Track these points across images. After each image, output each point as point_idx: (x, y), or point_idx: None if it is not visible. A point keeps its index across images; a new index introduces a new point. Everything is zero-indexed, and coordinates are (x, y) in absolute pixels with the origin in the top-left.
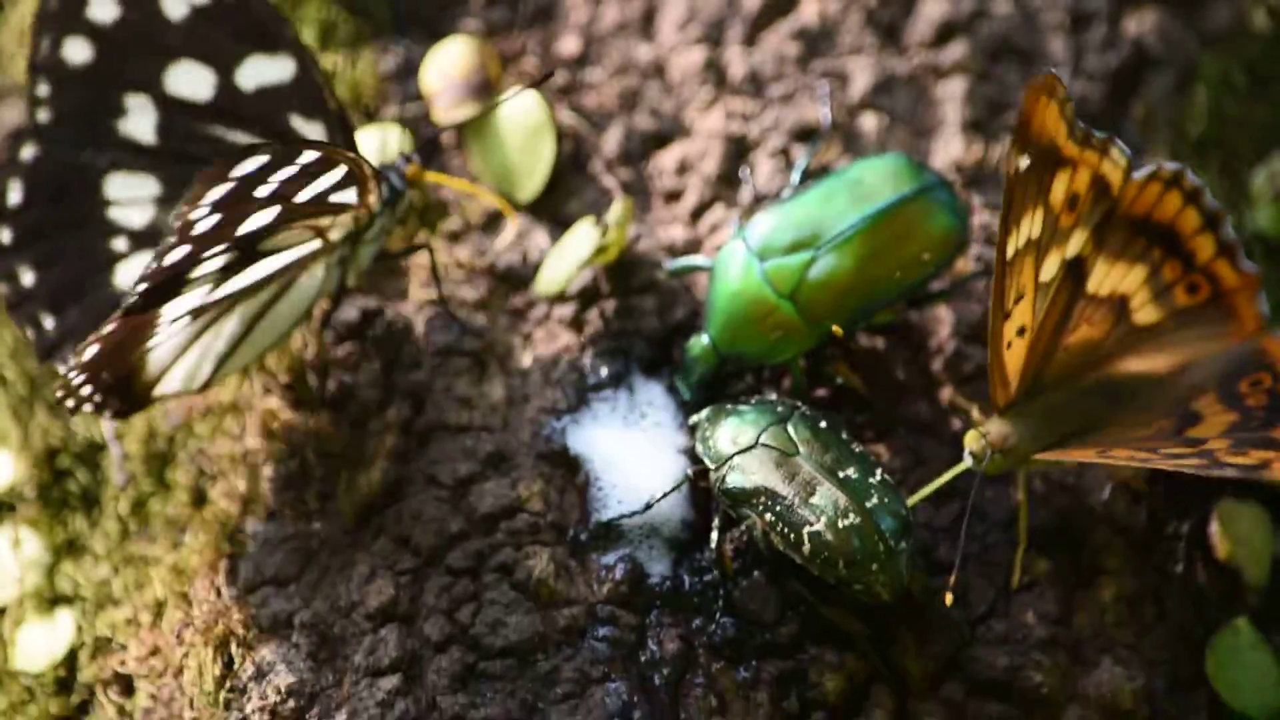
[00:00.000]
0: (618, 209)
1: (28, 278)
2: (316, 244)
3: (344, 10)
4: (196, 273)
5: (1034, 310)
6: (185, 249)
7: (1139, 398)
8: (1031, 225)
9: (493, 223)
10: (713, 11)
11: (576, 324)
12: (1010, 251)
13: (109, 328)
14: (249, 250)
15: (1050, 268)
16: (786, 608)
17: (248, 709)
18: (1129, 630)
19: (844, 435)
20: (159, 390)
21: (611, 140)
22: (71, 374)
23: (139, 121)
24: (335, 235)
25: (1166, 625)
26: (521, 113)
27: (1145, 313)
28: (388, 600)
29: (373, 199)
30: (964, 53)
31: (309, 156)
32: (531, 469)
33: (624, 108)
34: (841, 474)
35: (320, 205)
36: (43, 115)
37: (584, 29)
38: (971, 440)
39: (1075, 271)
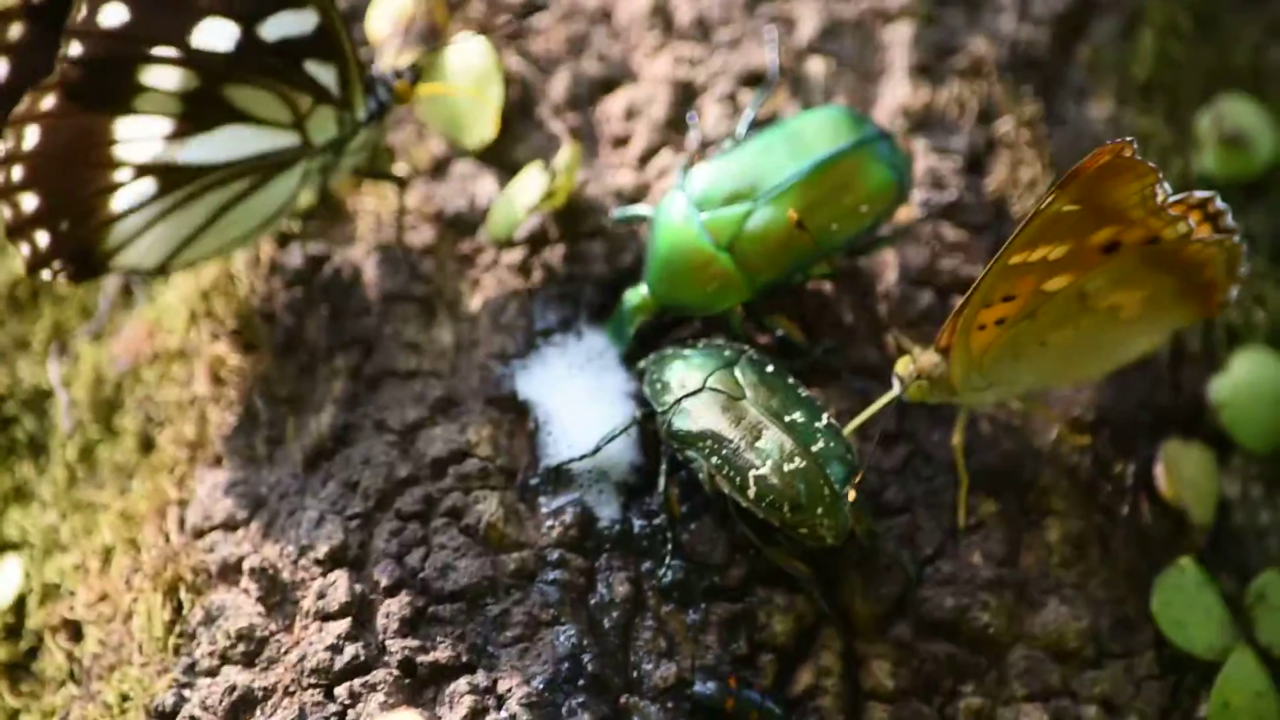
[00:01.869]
0: (565, 154)
1: (16, 173)
2: (294, 139)
3: None
4: (149, 78)
5: (1021, 309)
6: (124, 10)
7: None
8: (1052, 252)
9: (440, 168)
10: None
11: (525, 269)
12: (1014, 260)
13: (50, 102)
14: (211, 88)
15: (1058, 283)
16: (735, 551)
17: (197, 654)
18: (1075, 571)
19: (791, 379)
20: (116, 261)
21: (558, 86)
22: (16, 176)
23: None
24: (317, 137)
25: (1112, 565)
26: (469, 58)
27: (1130, 313)
28: (337, 545)
29: (357, 99)
30: None
31: None
32: (480, 414)
33: (571, 53)
34: (788, 418)
35: (294, 69)
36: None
37: None
38: (902, 366)
39: (1083, 292)
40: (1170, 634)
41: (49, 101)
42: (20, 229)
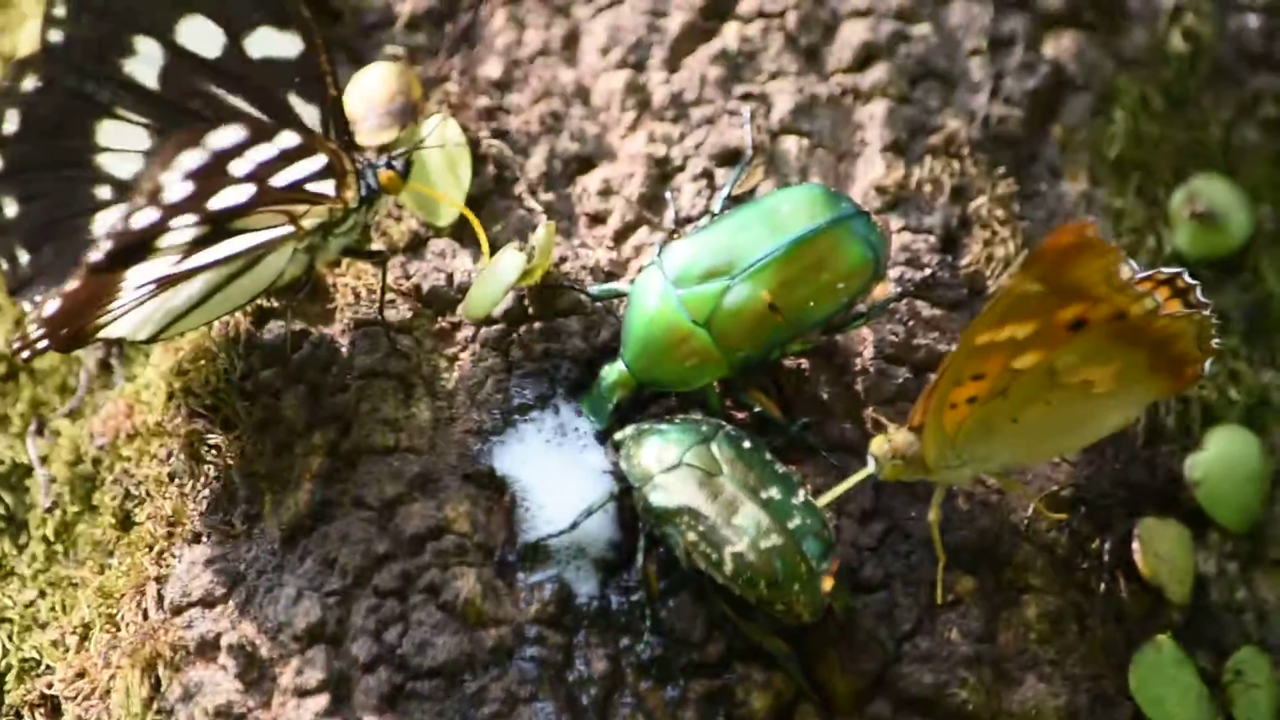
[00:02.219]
0: (542, 232)
1: (10, 209)
2: (288, 229)
3: None
4: (164, 241)
5: (992, 387)
6: (155, 215)
7: None
8: (1019, 330)
9: (418, 245)
10: (635, 35)
11: (502, 346)
12: (983, 340)
13: (73, 285)
14: (220, 226)
15: (1027, 361)
16: (713, 627)
17: None
18: (1053, 647)
19: (768, 455)
20: (104, 333)
21: (535, 164)
22: (32, 328)
23: (145, 66)
24: (308, 223)
25: (1090, 642)
26: (439, 138)
27: (1103, 388)
28: (315, 621)
29: (350, 194)
30: (884, 76)
31: (288, 141)
32: (458, 490)
33: (547, 131)
34: (764, 494)
35: (297, 193)
36: (55, 35)
37: (506, 53)
38: (877, 445)
39: (1053, 368)
40: (1148, 711)
41: (74, 284)
42: (24, 349)
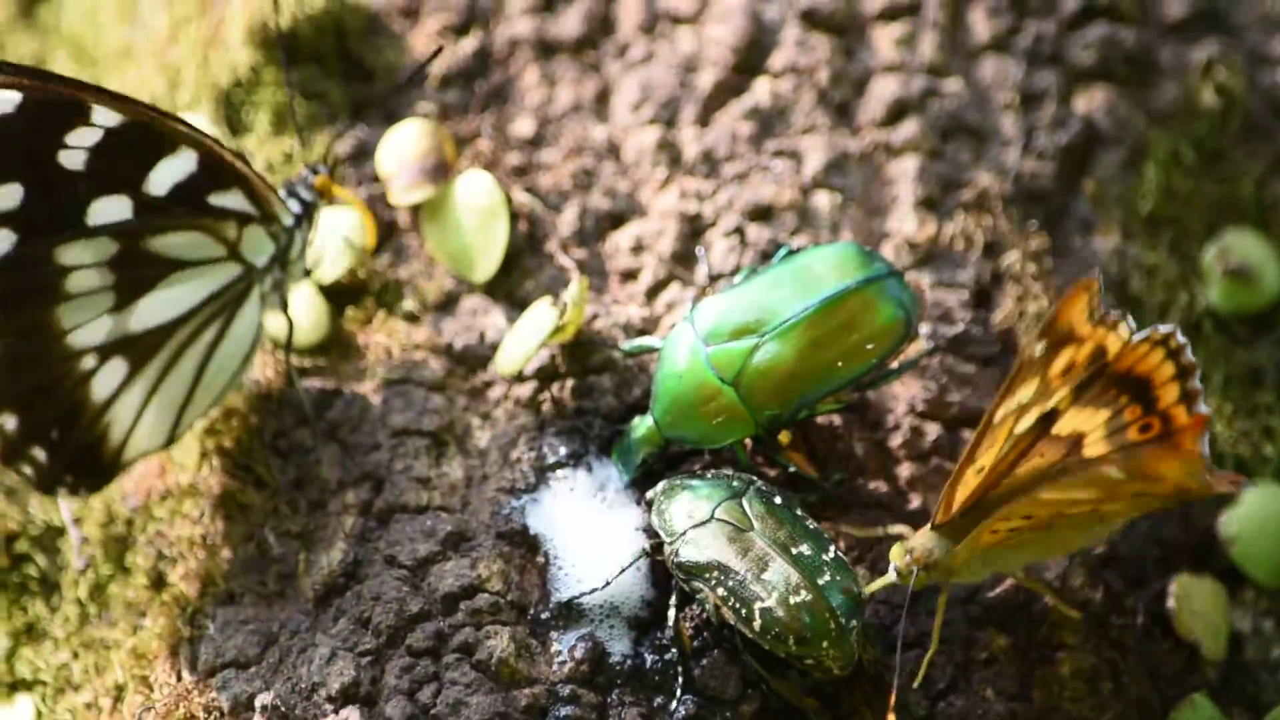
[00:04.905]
0: (574, 289)
1: None
2: (237, 269)
3: (299, 94)
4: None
5: (997, 453)
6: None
7: None
8: (1024, 392)
9: (450, 303)
10: (666, 92)
11: (534, 403)
12: (999, 415)
13: None
14: (133, 250)
15: (1027, 422)
16: (747, 685)
17: None
18: (1087, 705)
19: (799, 511)
20: (127, 455)
21: (567, 220)
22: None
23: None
24: (259, 260)
25: (1124, 700)
26: (476, 194)
27: (1095, 447)
28: (349, 682)
29: (278, 209)
30: (916, 131)
31: (106, 117)
32: (491, 549)
33: (579, 188)
34: (794, 550)
35: (200, 207)
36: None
37: (538, 110)
38: (896, 556)
39: (1047, 420)
40: None
41: None
42: (13, 452)
